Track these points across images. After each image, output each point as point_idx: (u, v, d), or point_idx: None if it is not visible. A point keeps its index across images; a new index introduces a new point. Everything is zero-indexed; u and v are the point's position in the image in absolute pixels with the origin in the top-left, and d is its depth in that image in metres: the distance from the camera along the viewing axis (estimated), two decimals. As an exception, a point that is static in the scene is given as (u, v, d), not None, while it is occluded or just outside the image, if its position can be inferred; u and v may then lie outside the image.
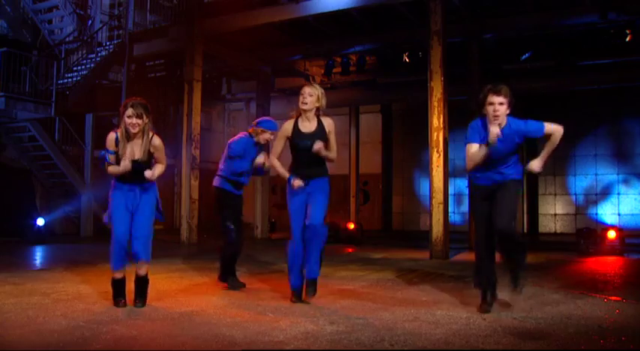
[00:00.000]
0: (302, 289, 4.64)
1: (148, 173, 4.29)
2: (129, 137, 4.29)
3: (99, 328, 3.66)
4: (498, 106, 4.06)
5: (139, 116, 4.22)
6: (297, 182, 4.52)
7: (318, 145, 4.47)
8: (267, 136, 5.39)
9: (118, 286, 4.42)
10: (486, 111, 4.12)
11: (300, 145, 4.57)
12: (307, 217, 4.54)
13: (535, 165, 4.11)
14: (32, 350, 3.26)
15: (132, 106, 4.22)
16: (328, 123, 4.62)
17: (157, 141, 4.39)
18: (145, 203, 4.39)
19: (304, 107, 4.56)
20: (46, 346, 3.31)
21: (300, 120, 4.63)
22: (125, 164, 4.22)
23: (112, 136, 4.33)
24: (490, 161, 4.18)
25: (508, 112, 4.12)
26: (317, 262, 4.60)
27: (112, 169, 4.30)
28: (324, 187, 4.64)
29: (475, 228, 4.42)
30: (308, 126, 4.61)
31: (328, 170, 4.72)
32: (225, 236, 5.40)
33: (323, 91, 4.63)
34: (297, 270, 4.66)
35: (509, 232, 4.06)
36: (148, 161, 4.39)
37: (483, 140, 4.12)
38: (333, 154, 4.63)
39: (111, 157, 4.29)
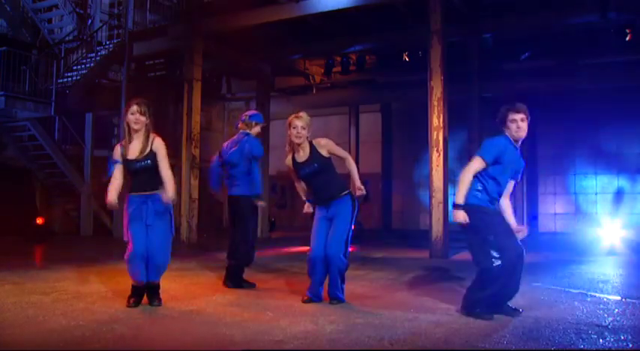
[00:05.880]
0: (313, 300, 4.62)
1: (164, 198, 4.42)
2: (131, 138, 4.43)
3: (99, 328, 3.66)
4: (521, 122, 4.12)
5: (142, 113, 4.41)
6: (305, 209, 4.79)
7: (359, 187, 4.56)
8: (258, 129, 5.57)
9: (138, 291, 4.44)
10: (508, 128, 4.17)
11: (302, 175, 4.68)
12: (326, 244, 4.55)
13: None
14: (32, 350, 3.26)
15: (137, 104, 4.43)
16: (322, 145, 4.64)
17: (157, 142, 4.48)
18: (159, 219, 4.43)
19: (298, 141, 4.60)
20: (45, 345, 3.31)
21: (295, 152, 4.69)
22: (109, 201, 4.36)
23: (118, 147, 4.49)
24: (497, 184, 4.19)
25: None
26: (337, 286, 4.59)
27: (109, 192, 4.39)
28: (348, 211, 4.59)
29: (508, 251, 4.00)
30: (302, 155, 4.66)
31: (346, 185, 4.70)
32: (244, 247, 5.42)
33: (309, 117, 4.67)
34: (314, 283, 4.62)
35: None
36: (152, 163, 4.42)
37: (508, 161, 4.13)
38: (351, 164, 4.69)
39: (116, 166, 4.45)
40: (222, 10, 11.68)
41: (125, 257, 4.38)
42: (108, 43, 13.76)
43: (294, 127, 4.59)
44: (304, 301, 4.57)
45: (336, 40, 12.71)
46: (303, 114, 4.65)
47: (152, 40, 13.19)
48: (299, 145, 4.62)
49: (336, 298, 4.57)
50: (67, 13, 14.00)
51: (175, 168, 15.42)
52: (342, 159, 4.71)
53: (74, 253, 9.34)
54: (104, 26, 14.14)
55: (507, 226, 4.19)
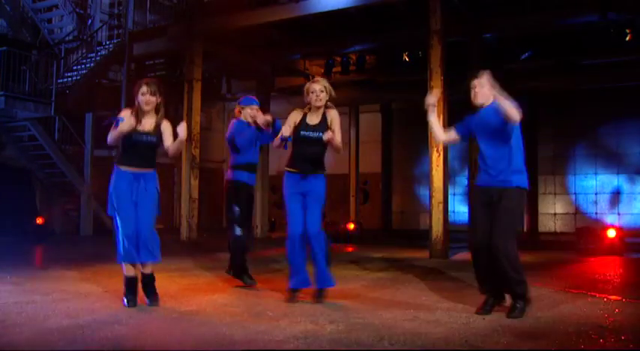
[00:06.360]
0: (299, 290, 4.66)
1: (180, 131, 4.33)
2: (142, 115, 4.40)
3: (99, 328, 3.65)
4: (478, 88, 4.28)
5: (152, 93, 4.39)
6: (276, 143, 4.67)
7: (328, 135, 4.51)
8: (248, 111, 5.45)
9: (131, 284, 4.39)
10: (470, 97, 4.34)
11: (300, 136, 4.63)
12: (306, 223, 4.57)
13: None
14: (32, 350, 3.26)
15: (146, 84, 4.42)
16: (331, 115, 4.69)
17: (167, 123, 4.49)
18: (149, 197, 4.39)
19: (318, 104, 4.63)
20: (46, 345, 3.31)
21: (309, 114, 4.69)
22: (125, 125, 4.24)
23: (128, 111, 4.42)
24: (482, 151, 4.22)
25: (492, 95, 4.24)
26: (325, 271, 4.64)
27: (118, 129, 4.26)
28: (321, 188, 4.67)
29: (472, 235, 4.27)
30: (314, 119, 4.68)
31: (325, 168, 4.75)
32: (229, 234, 5.41)
33: (327, 81, 4.72)
34: (297, 269, 4.64)
35: (504, 253, 3.98)
36: (157, 141, 4.43)
37: (468, 127, 4.41)
38: (338, 142, 4.63)
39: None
40: (223, 10, 11.68)
41: (116, 235, 4.32)
42: (108, 43, 13.76)
43: (312, 92, 4.63)
44: (289, 298, 4.60)
45: (336, 40, 12.70)
46: (319, 78, 4.73)
47: (152, 40, 13.20)
48: (318, 108, 4.64)
49: (325, 287, 4.62)
50: (67, 13, 14.01)
51: (175, 168, 15.59)
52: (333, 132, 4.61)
53: (74, 253, 9.34)
54: (104, 26, 14.13)
55: (481, 211, 4.17)
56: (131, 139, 4.35)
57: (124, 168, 4.38)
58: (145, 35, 13.41)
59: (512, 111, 3.93)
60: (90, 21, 14.41)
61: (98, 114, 13.81)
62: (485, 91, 4.24)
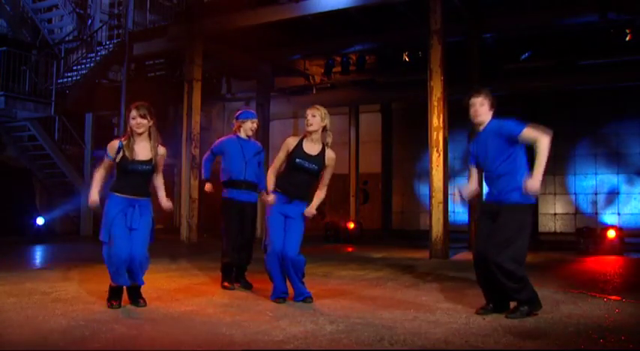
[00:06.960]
0: (285, 297, 4.68)
1: (165, 204, 4.54)
2: (134, 141, 4.37)
3: (99, 328, 3.65)
4: (479, 107, 4.22)
5: (143, 116, 4.35)
6: (270, 200, 4.66)
7: (309, 213, 4.68)
8: (247, 125, 5.47)
9: (117, 292, 4.40)
10: (470, 114, 4.29)
11: (297, 162, 4.63)
12: (284, 245, 4.59)
13: (529, 185, 3.89)
14: (32, 350, 3.26)
15: (135, 108, 4.37)
16: (329, 156, 4.70)
17: (162, 150, 4.50)
18: (143, 223, 4.37)
19: (310, 129, 4.65)
20: (45, 345, 3.31)
21: (305, 140, 4.69)
22: (94, 201, 4.33)
23: (115, 143, 4.39)
24: (484, 171, 4.24)
25: (491, 113, 4.23)
26: (301, 287, 4.66)
27: (93, 192, 4.35)
28: (303, 215, 4.72)
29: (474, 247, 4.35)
30: (312, 148, 4.67)
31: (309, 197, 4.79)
32: (223, 245, 5.43)
33: (326, 111, 4.71)
34: (276, 282, 4.66)
35: (496, 265, 3.95)
36: (153, 169, 4.43)
37: (474, 154, 4.33)
38: (323, 192, 4.78)
39: (107, 162, 4.39)
40: (223, 10, 11.70)
41: (105, 260, 4.30)
42: (108, 43, 13.77)
43: (305, 116, 4.70)
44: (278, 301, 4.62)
45: (336, 40, 12.71)
46: (318, 106, 4.73)
47: (152, 40, 13.20)
48: (311, 133, 4.65)
49: (303, 293, 4.64)
50: (67, 13, 14.01)
51: (175, 168, 15.59)
52: (321, 181, 4.74)
53: (74, 253, 9.34)
54: (104, 26, 14.14)
55: (483, 227, 4.21)
56: (127, 168, 4.32)
57: (119, 194, 4.34)
58: (145, 35, 13.42)
59: (543, 142, 3.91)
60: (90, 21, 14.42)
61: (98, 114, 13.81)
62: (485, 109, 4.22)
